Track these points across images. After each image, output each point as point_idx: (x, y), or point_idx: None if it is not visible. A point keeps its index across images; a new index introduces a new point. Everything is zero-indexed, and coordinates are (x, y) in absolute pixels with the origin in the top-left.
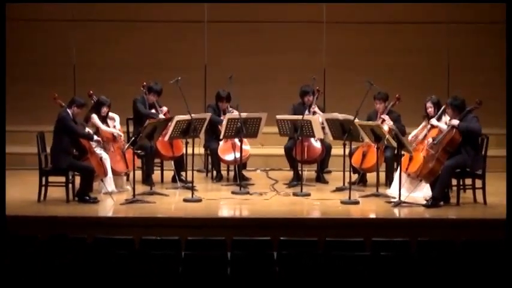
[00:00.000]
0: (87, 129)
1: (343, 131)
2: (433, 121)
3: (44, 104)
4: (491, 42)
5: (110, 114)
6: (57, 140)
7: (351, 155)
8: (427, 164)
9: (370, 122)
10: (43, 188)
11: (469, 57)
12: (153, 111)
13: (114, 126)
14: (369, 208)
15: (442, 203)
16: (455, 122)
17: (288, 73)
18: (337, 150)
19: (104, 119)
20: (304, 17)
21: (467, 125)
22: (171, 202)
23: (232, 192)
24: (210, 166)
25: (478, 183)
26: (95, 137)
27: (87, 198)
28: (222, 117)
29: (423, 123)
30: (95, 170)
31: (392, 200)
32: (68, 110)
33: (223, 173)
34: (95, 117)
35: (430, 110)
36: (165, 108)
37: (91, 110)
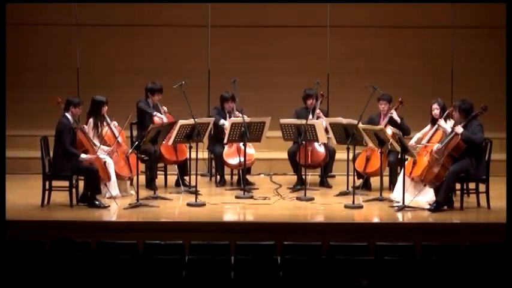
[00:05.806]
0: (74, 150)
1: (347, 135)
2: (441, 122)
3: (47, 108)
4: (496, 47)
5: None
6: (58, 146)
7: (354, 159)
8: (432, 170)
9: (373, 127)
10: (46, 193)
11: (474, 61)
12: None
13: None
14: (372, 212)
15: (445, 207)
16: (460, 130)
17: (292, 77)
18: (340, 154)
19: (103, 118)
20: (308, 21)
21: (470, 135)
22: (174, 206)
23: (236, 197)
24: (213, 170)
25: (482, 187)
26: (83, 155)
27: (97, 203)
28: (227, 119)
29: (426, 128)
30: (98, 170)
31: (396, 204)
32: (67, 115)
33: (227, 177)
34: (91, 122)
35: (436, 111)
36: (165, 108)
37: (89, 113)
